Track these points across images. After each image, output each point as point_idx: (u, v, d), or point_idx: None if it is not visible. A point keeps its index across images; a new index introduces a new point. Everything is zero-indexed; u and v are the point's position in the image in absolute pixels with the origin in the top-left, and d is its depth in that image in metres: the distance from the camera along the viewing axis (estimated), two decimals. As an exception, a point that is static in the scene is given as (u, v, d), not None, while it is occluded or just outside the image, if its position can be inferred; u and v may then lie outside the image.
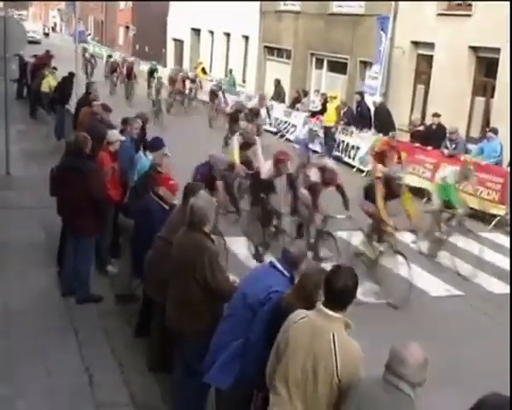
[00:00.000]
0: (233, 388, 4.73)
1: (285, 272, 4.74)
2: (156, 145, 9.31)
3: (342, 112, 19.17)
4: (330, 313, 3.85)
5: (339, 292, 3.86)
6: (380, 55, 19.58)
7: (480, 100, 17.25)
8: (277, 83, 24.78)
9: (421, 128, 16.36)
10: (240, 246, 10.43)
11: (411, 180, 15.53)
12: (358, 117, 18.61)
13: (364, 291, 9.10)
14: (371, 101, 18.86)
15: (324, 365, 3.77)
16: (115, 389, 6.32)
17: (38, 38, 55.83)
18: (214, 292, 5.31)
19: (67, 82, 18.22)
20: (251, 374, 4.56)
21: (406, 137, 17.11)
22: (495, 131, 14.27)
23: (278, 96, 24.33)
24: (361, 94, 19.08)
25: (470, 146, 15.24)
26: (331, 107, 19.29)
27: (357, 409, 3.51)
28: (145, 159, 9.29)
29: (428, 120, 16.95)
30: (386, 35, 19.39)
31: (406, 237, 11.11)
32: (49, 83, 19.44)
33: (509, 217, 13.10)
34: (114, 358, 6.89)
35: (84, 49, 36.21)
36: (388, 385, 3.41)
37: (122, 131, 9.96)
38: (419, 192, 14.02)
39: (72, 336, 7.27)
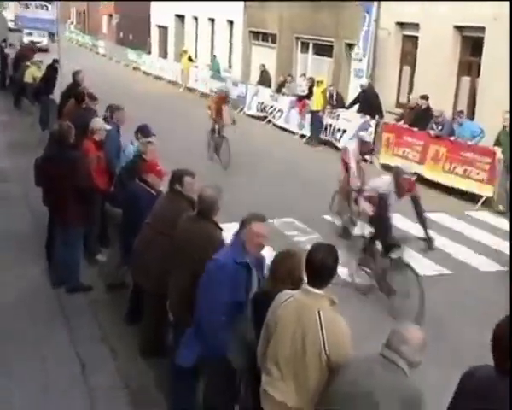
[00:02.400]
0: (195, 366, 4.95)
1: None
2: (145, 133, 9.20)
3: (329, 95, 19.14)
4: (314, 290, 3.91)
5: (318, 268, 3.93)
6: (362, 36, 19.40)
7: (466, 79, 17.26)
8: (263, 68, 24.70)
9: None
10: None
11: (397, 163, 15.57)
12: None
13: (351, 273, 9.15)
14: (358, 83, 18.85)
15: (312, 341, 3.81)
16: (108, 375, 6.33)
17: (45, 42, 41.29)
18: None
19: (52, 71, 18.02)
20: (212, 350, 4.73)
21: (393, 119, 17.10)
22: (462, 113, 14.82)
23: (264, 81, 24.25)
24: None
25: (456, 126, 15.26)
26: (318, 91, 19.25)
27: (352, 384, 3.53)
28: (132, 147, 9.22)
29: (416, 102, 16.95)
30: (370, 16, 19.24)
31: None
32: (32, 73, 19.25)
33: (496, 196, 13.17)
34: (106, 345, 6.89)
35: None
36: (387, 362, 3.46)
37: (106, 119, 9.86)
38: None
39: (63, 325, 7.27)
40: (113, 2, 53.50)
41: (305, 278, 4.07)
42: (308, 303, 3.89)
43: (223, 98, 15.96)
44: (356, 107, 18.50)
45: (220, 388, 4.98)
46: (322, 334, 3.78)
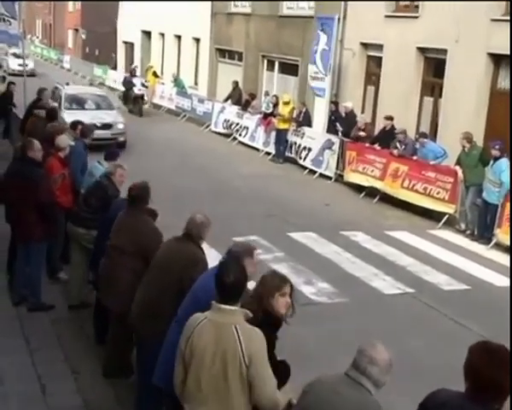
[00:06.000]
0: None
1: None
2: (113, 156, 9.05)
3: (295, 113, 19.25)
4: (230, 307, 3.97)
5: (231, 286, 4.00)
6: (320, 55, 19.43)
7: (429, 100, 17.56)
8: (236, 85, 24.41)
9: (361, 134, 16.48)
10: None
11: (359, 179, 15.78)
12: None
13: (317, 291, 9.21)
14: (323, 103, 18.96)
15: (232, 355, 3.85)
16: (69, 395, 6.24)
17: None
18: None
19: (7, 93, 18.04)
20: None
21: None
22: (424, 136, 14.80)
23: (233, 96, 24.04)
24: (336, 103, 18.98)
25: (419, 146, 15.48)
26: (284, 109, 19.31)
27: (317, 404, 3.52)
28: (101, 167, 9.08)
29: (379, 121, 17.18)
30: (327, 36, 19.10)
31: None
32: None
33: (458, 215, 13.38)
34: (68, 365, 6.80)
35: None
36: (353, 382, 3.44)
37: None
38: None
39: (23, 344, 7.15)
40: (79, 15, 53.22)
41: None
42: (224, 321, 3.94)
43: None
44: (320, 125, 18.69)
45: None
46: (241, 345, 3.83)
